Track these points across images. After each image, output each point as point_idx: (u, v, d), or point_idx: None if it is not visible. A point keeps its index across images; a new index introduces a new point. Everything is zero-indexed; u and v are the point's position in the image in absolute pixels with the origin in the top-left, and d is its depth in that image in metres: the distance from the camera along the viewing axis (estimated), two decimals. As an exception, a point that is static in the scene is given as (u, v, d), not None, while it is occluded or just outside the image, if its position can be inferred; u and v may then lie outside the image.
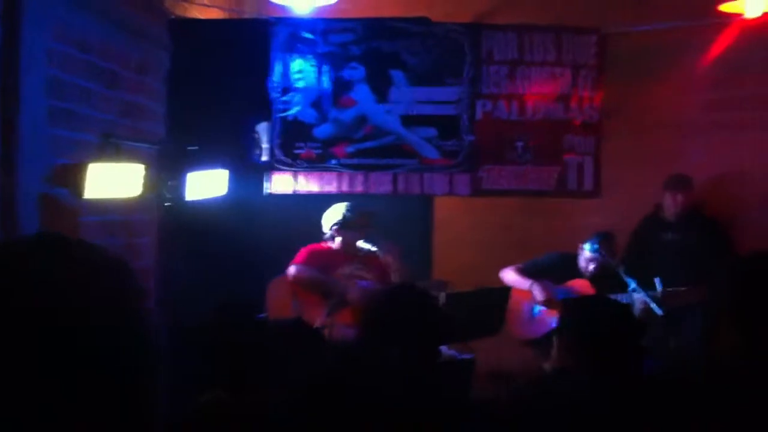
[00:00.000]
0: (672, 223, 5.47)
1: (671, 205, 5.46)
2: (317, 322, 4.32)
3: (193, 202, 4.37)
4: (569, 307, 2.67)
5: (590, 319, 2.51)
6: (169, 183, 4.15)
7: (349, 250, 4.69)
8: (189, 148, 4.30)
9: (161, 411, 1.13)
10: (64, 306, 0.88)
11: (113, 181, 3.76)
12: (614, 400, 2.23)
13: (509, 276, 4.98)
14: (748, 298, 2.05)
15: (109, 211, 4.00)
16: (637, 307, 4.39)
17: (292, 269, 4.66)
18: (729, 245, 5.27)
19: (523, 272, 4.98)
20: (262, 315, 4.09)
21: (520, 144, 5.42)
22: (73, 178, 3.51)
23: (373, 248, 4.57)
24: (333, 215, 4.76)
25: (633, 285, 4.40)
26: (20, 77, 3.48)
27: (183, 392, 2.57)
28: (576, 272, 4.92)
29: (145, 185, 4.04)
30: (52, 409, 0.86)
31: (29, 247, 0.95)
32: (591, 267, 4.85)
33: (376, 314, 2.51)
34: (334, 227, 4.72)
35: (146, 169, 4.05)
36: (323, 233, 4.77)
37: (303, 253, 4.71)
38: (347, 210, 4.73)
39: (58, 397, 0.86)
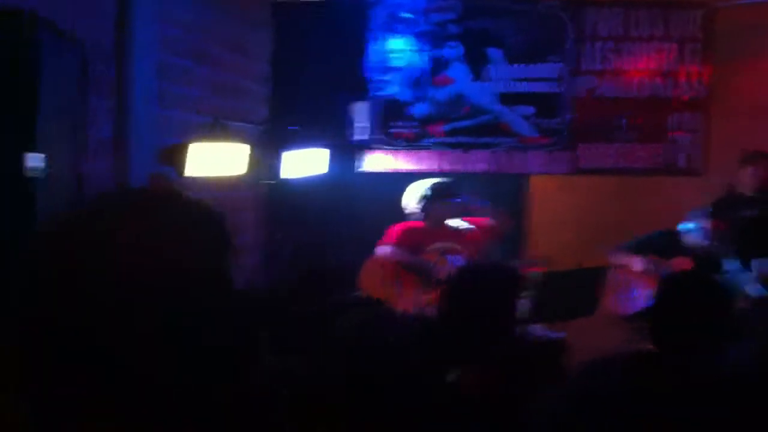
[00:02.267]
0: (753, 198, 5.25)
1: (751, 179, 5.23)
2: (412, 303, 4.38)
3: (294, 181, 4.51)
4: (664, 282, 2.59)
5: (681, 295, 2.43)
6: (272, 162, 4.29)
7: (438, 226, 4.68)
8: (290, 128, 4.43)
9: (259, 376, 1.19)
10: (158, 253, 0.92)
11: (218, 159, 3.93)
12: (685, 389, 2.17)
13: (618, 258, 4.91)
14: None
15: (217, 188, 4.17)
16: (742, 288, 4.25)
17: (383, 250, 4.68)
18: None
19: (630, 249, 4.91)
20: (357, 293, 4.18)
21: (624, 121, 5.31)
22: (182, 157, 3.69)
23: (463, 225, 4.58)
24: (416, 192, 4.72)
25: (732, 266, 4.27)
26: (133, 62, 3.68)
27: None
28: (678, 250, 4.80)
29: (249, 164, 4.19)
30: (149, 364, 0.89)
31: (134, 196, 1.03)
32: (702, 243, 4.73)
33: (457, 292, 2.54)
34: (421, 204, 4.65)
35: (251, 149, 4.20)
36: (406, 212, 4.72)
37: (393, 232, 4.71)
38: (428, 185, 4.70)
39: (150, 344, 0.90)
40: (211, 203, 1.05)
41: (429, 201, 4.67)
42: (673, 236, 4.91)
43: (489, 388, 2.44)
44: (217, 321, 0.95)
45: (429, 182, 4.73)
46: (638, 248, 4.90)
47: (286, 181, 4.45)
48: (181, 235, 0.95)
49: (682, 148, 5.33)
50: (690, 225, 4.62)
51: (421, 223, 4.78)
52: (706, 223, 4.70)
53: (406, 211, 4.74)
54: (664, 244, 4.88)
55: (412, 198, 4.72)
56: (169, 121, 3.92)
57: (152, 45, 3.82)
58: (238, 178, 4.21)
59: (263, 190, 4.70)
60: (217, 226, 1.01)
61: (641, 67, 5.33)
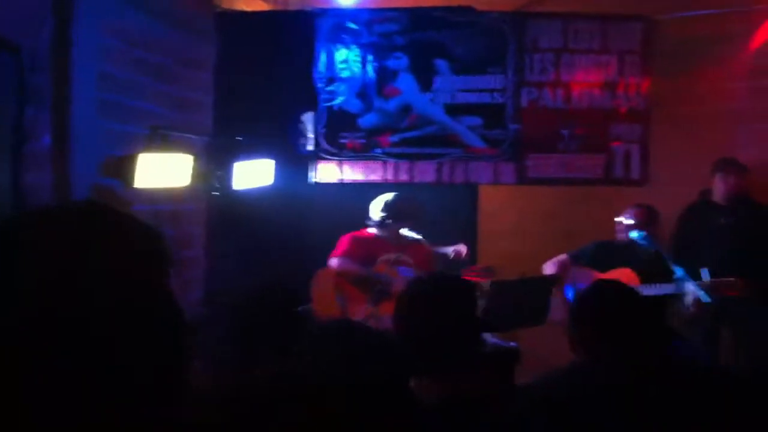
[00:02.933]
0: (724, 206, 5.33)
1: (723, 187, 5.31)
2: (360, 315, 4.35)
3: (240, 192, 4.44)
4: (577, 296, 2.63)
5: (590, 304, 2.45)
6: (217, 173, 4.22)
7: (393, 239, 4.70)
8: (236, 138, 4.36)
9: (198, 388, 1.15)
10: (91, 268, 0.90)
11: (162, 171, 3.84)
12: (626, 386, 2.19)
13: (551, 271, 4.94)
14: None
15: (159, 200, 4.08)
16: (688, 295, 4.33)
17: (334, 261, 4.67)
18: None
19: (565, 267, 4.92)
20: (305, 306, 4.13)
21: (566, 132, 5.38)
22: (124, 169, 3.60)
23: (418, 236, 4.58)
24: (383, 204, 4.76)
25: (680, 273, 4.34)
26: (73, 72, 3.57)
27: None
28: (619, 260, 4.86)
29: (193, 175, 4.11)
30: (77, 381, 0.87)
31: (63, 210, 0.99)
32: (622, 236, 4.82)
33: (414, 301, 2.51)
34: (384, 216, 4.70)
35: (195, 160, 4.13)
36: (369, 219, 4.77)
37: (343, 242, 4.72)
38: (397, 200, 4.73)
39: (80, 364, 0.88)
40: (148, 216, 1.03)
41: (390, 217, 4.67)
42: (609, 245, 4.97)
43: (446, 398, 2.41)
44: (144, 336, 0.93)
45: (394, 197, 4.74)
46: (576, 259, 4.94)
47: (234, 193, 4.38)
48: (116, 248, 0.94)
49: (623, 158, 5.42)
50: (636, 234, 4.68)
51: (371, 233, 4.78)
52: (632, 216, 4.77)
53: (369, 221, 4.77)
54: (602, 254, 4.93)
55: (376, 209, 4.74)
56: (111, 132, 3.82)
57: (92, 55, 3.73)
58: (184, 189, 4.13)
59: (210, 201, 4.61)
60: (153, 241, 0.99)
61: (581, 79, 5.42)
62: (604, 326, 2.32)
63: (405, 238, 4.63)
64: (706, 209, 5.42)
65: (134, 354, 0.91)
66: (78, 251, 0.90)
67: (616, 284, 2.66)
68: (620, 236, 4.86)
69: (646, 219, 4.79)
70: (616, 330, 2.31)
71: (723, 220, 5.30)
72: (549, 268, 4.93)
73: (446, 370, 2.47)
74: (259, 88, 4.91)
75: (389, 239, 4.72)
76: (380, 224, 4.72)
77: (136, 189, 3.68)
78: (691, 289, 4.32)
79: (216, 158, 4.31)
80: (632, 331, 2.31)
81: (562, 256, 4.97)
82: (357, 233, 4.78)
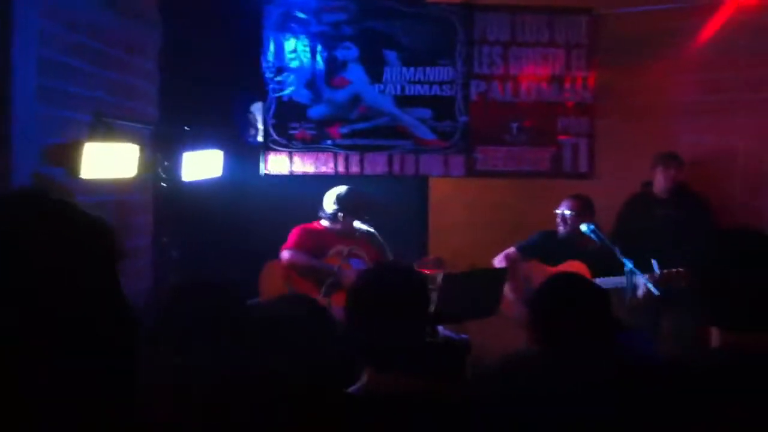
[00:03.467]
0: (664, 199, 5.47)
1: (663, 180, 5.45)
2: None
3: (188, 183, 4.34)
4: (537, 290, 2.65)
5: (549, 296, 2.48)
6: (165, 163, 4.11)
7: (346, 231, 4.66)
8: (183, 128, 4.26)
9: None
10: (37, 259, 0.87)
11: (108, 160, 3.72)
12: (577, 379, 2.22)
13: (501, 264, 4.96)
14: (731, 270, 2.04)
15: (104, 191, 3.96)
16: (638, 288, 4.39)
17: (284, 254, 4.61)
18: (716, 223, 5.30)
19: (515, 261, 4.95)
20: (253, 299, 4.06)
21: (514, 125, 5.41)
22: (69, 158, 3.47)
23: (370, 229, 4.54)
24: (335, 197, 4.71)
25: (630, 266, 4.40)
26: (13, 56, 3.43)
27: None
28: (567, 252, 4.91)
29: (139, 165, 4.00)
30: (28, 374, 0.85)
31: (9, 199, 0.94)
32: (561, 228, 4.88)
33: (364, 292, 2.47)
34: (336, 209, 4.67)
35: (141, 150, 4.01)
36: (322, 212, 4.72)
37: (294, 234, 4.66)
38: (349, 193, 4.70)
39: (30, 360, 0.85)
40: (93, 206, 0.99)
41: (342, 210, 4.64)
42: (557, 235, 5.02)
43: (399, 390, 2.39)
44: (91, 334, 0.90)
45: (346, 190, 4.69)
46: (526, 253, 4.97)
47: (182, 184, 4.27)
48: (64, 239, 0.91)
49: (571, 151, 5.48)
50: (585, 226, 4.72)
51: (323, 226, 4.73)
52: (569, 207, 4.83)
53: (322, 213, 4.71)
54: (552, 245, 4.97)
55: (329, 201, 4.69)
56: (51, 119, 3.68)
57: (32, 40, 3.59)
58: (130, 179, 4.01)
59: (157, 192, 4.49)
60: (100, 233, 0.96)
61: (529, 72, 5.45)
62: (566, 320, 2.33)
63: (357, 230, 4.59)
64: (647, 201, 5.54)
65: (80, 349, 0.88)
66: (19, 238, 0.87)
67: (577, 277, 2.68)
68: (560, 228, 4.91)
69: (583, 209, 4.85)
70: (577, 323, 2.32)
71: (663, 212, 5.43)
72: (498, 262, 4.96)
73: (397, 362, 2.44)
74: (206, 77, 4.80)
75: (341, 232, 4.67)
76: (332, 217, 4.68)
77: (79, 179, 3.55)
78: (641, 281, 4.38)
79: (163, 148, 4.20)
80: (592, 323, 2.33)
81: (510, 250, 5.00)
82: (308, 225, 4.73)
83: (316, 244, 4.64)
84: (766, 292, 1.97)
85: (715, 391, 1.95)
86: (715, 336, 2.05)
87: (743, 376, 1.95)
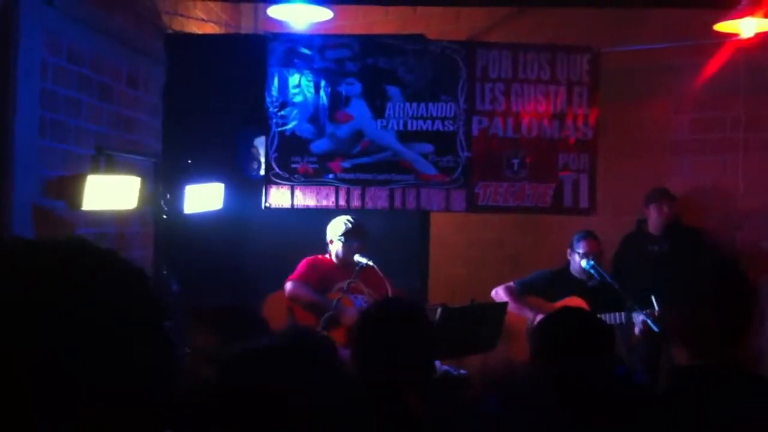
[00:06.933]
0: (657, 236, 5.53)
1: (657, 217, 5.53)
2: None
3: (189, 216, 4.35)
4: (540, 322, 2.65)
5: (553, 327, 2.49)
6: (167, 196, 4.13)
7: (347, 263, 4.67)
8: (185, 161, 4.29)
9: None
10: (91, 309, 0.86)
11: (110, 193, 3.74)
12: (571, 407, 2.22)
13: (501, 297, 4.95)
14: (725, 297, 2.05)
15: (105, 223, 3.97)
16: (637, 324, 4.37)
17: (288, 285, 4.63)
18: (710, 256, 5.30)
19: (515, 293, 4.94)
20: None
21: (515, 161, 5.42)
22: (71, 190, 3.49)
23: (370, 262, 4.55)
24: (338, 225, 4.76)
25: (630, 303, 4.38)
26: (16, 88, 3.47)
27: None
28: (568, 289, 4.90)
29: (140, 198, 4.02)
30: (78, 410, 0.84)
31: (61, 247, 0.92)
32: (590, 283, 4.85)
33: (367, 329, 2.47)
34: (339, 236, 4.72)
35: (142, 182, 4.03)
36: (329, 243, 4.78)
37: (302, 266, 4.70)
38: (350, 220, 4.74)
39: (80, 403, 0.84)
40: (93, 239, 0.97)
41: (344, 236, 4.68)
42: (559, 274, 5.01)
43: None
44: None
45: (347, 218, 4.75)
46: (525, 290, 4.96)
47: (183, 216, 4.29)
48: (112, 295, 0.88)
49: (571, 187, 5.48)
50: (585, 262, 4.72)
51: (331, 259, 4.76)
52: (586, 247, 4.83)
53: (328, 242, 4.75)
54: (552, 283, 4.96)
55: (331, 231, 4.74)
56: (53, 152, 3.71)
57: (35, 72, 3.63)
58: (130, 212, 4.02)
59: (158, 224, 4.50)
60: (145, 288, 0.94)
61: (531, 109, 5.48)
62: (568, 352, 2.33)
63: (359, 264, 4.60)
64: (642, 238, 5.59)
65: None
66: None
67: (580, 311, 2.69)
68: (572, 267, 4.91)
69: (598, 250, 4.87)
70: (578, 355, 2.32)
71: (658, 248, 5.46)
72: (497, 295, 4.94)
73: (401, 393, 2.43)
74: (209, 112, 4.84)
75: (344, 264, 4.69)
76: (332, 242, 4.72)
77: (80, 211, 3.57)
78: (639, 318, 4.36)
79: (165, 181, 4.23)
80: (593, 357, 2.33)
81: (510, 284, 4.99)
82: (317, 258, 4.77)
83: (322, 277, 4.66)
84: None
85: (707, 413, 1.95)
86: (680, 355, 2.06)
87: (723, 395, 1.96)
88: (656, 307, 4.36)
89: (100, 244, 0.93)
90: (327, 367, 1.93)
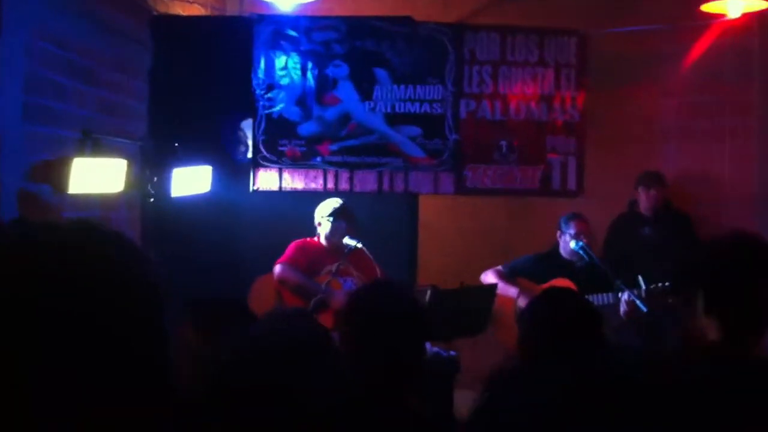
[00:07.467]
0: (648, 218, 5.59)
1: (645, 200, 5.60)
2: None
3: (176, 199, 4.33)
4: (528, 303, 2.63)
5: (543, 309, 2.47)
6: (153, 179, 4.10)
7: (336, 246, 4.66)
8: (173, 144, 4.25)
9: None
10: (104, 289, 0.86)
11: (96, 176, 3.71)
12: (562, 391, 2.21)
13: (490, 280, 4.95)
14: (716, 279, 2.02)
15: (91, 207, 3.94)
16: (623, 305, 4.39)
17: (277, 268, 4.62)
18: (699, 240, 5.34)
19: (504, 276, 4.95)
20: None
21: (504, 144, 5.42)
22: (56, 174, 3.46)
23: (359, 245, 4.54)
24: (326, 206, 4.75)
25: (618, 283, 4.40)
26: (1, 73, 3.42)
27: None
28: (557, 270, 4.91)
29: (127, 181, 3.99)
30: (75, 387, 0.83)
31: (71, 227, 0.92)
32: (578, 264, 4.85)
33: (357, 311, 2.45)
34: (327, 216, 4.70)
35: (129, 165, 4.00)
36: (317, 225, 4.76)
37: (290, 249, 4.68)
38: (338, 201, 4.74)
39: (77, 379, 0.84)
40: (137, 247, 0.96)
41: (333, 216, 4.68)
42: (546, 257, 5.02)
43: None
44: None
45: (336, 200, 4.75)
46: (514, 273, 4.97)
47: (171, 199, 4.26)
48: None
49: (559, 170, 5.49)
50: (574, 244, 4.73)
51: (320, 242, 4.75)
52: (576, 228, 4.83)
53: (318, 229, 4.75)
54: (540, 266, 4.97)
55: (319, 212, 4.73)
56: (38, 136, 3.67)
57: (19, 57, 3.58)
58: (117, 195, 4.00)
59: (145, 208, 4.48)
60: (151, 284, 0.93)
61: (519, 92, 5.47)
62: (558, 334, 2.32)
63: (347, 246, 4.60)
64: (632, 220, 5.64)
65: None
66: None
67: (568, 292, 2.67)
68: (562, 249, 4.91)
69: (589, 231, 4.88)
70: (569, 337, 2.31)
71: (648, 230, 5.51)
72: (486, 278, 4.95)
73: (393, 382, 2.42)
74: (196, 94, 4.80)
75: (333, 247, 4.68)
76: (320, 224, 4.71)
77: (66, 195, 3.54)
78: (627, 298, 4.38)
79: (152, 164, 4.20)
80: (584, 338, 2.32)
81: (499, 268, 5.00)
82: (306, 241, 4.75)
83: (311, 260, 4.65)
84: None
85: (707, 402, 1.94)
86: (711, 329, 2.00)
87: (735, 383, 1.94)
88: (643, 287, 4.39)
89: (107, 229, 0.93)
90: (327, 366, 1.93)
